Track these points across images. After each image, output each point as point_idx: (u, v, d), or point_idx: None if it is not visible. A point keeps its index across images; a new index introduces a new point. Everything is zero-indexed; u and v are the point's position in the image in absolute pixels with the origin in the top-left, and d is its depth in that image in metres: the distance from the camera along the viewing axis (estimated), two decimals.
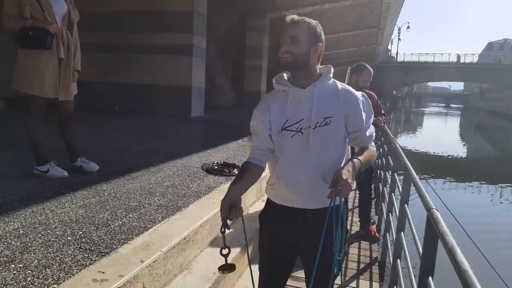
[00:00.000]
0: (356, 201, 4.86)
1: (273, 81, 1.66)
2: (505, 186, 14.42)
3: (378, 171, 6.09)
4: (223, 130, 7.89)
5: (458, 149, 27.10)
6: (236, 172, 3.93)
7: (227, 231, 1.57)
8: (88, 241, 2.09)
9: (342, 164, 1.53)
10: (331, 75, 1.62)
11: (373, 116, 1.67)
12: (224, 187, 3.42)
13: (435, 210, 1.62)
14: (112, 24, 9.98)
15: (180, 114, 9.45)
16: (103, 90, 9.75)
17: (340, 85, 1.60)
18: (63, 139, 3.45)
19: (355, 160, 1.49)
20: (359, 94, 1.61)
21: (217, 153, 5.06)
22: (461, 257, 1.17)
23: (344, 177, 1.37)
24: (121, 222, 2.40)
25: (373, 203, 4.80)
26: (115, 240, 2.13)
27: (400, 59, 45.83)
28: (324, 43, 1.59)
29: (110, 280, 1.73)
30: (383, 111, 4.24)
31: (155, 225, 2.42)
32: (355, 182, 1.88)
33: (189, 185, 3.38)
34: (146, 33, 9.83)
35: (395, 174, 3.74)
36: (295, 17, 1.54)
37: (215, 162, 4.21)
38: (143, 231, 2.31)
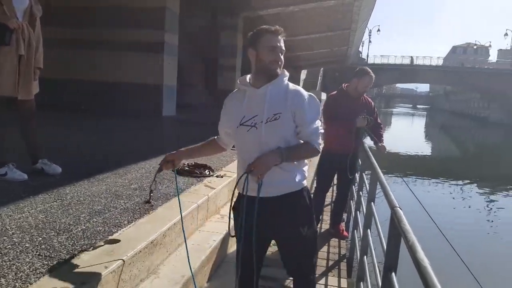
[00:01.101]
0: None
1: (237, 81, 1.90)
2: (467, 183, 15.04)
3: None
4: (196, 130, 7.78)
5: (424, 148, 28.04)
6: (208, 173, 3.90)
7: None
8: (48, 248, 2.00)
9: None
10: (286, 78, 1.83)
11: (320, 116, 1.86)
12: (195, 188, 3.37)
13: (399, 208, 1.66)
14: (80, 19, 9.68)
15: (151, 113, 9.27)
16: (69, 88, 9.46)
17: (292, 86, 1.81)
18: (23, 140, 3.30)
19: (278, 149, 1.72)
20: (306, 94, 1.81)
21: None
22: (421, 254, 1.19)
23: (258, 160, 1.68)
24: (84, 227, 2.32)
25: None
26: (77, 246, 2.06)
27: (370, 61, 46.77)
28: None
29: None
30: (379, 120, 4.08)
31: (120, 229, 2.35)
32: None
33: (157, 187, 3.31)
34: (116, 29, 9.60)
35: (363, 173, 3.81)
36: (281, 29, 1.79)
37: (186, 163, 4.15)
38: (107, 235, 2.24)
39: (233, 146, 2.03)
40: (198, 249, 2.66)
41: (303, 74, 35.12)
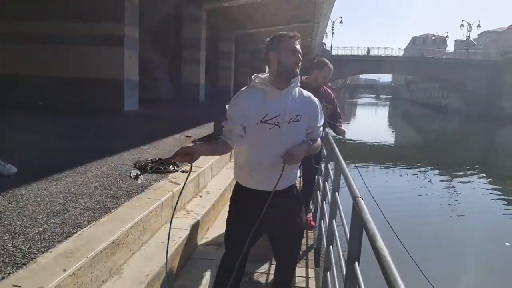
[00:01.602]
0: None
1: (255, 79, 2.01)
2: (429, 169, 15.67)
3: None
4: (159, 125, 7.65)
5: (387, 137, 28.90)
6: (172, 168, 3.82)
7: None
8: (2, 253, 1.90)
9: None
10: (299, 82, 2.05)
11: (323, 116, 2.14)
12: (159, 185, 3.30)
13: (360, 199, 1.67)
14: (36, 12, 9.21)
15: (112, 108, 9.01)
16: (26, 84, 9.02)
17: (304, 91, 2.08)
18: None
19: (305, 143, 1.99)
20: (316, 99, 2.10)
21: (152, 149, 4.88)
22: (380, 243, 1.21)
23: (293, 150, 1.92)
24: (41, 229, 2.22)
25: None
26: (34, 249, 1.96)
27: (334, 52, 47.41)
28: None
29: None
30: (338, 110, 4.15)
31: (80, 230, 2.27)
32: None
33: (119, 184, 3.21)
34: (74, 23, 9.20)
35: (328, 164, 3.85)
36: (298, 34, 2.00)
37: (149, 159, 4.06)
38: (66, 237, 2.15)
39: None
40: (163, 247, 2.60)
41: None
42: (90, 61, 9.31)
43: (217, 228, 3.43)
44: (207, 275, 2.65)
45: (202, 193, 3.82)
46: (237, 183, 2.12)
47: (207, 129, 6.86)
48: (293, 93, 2.00)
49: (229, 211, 2.15)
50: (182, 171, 3.72)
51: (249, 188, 2.03)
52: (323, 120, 2.14)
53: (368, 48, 47.08)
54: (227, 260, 2.13)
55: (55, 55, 9.35)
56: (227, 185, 4.25)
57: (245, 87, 2.08)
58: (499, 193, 12.28)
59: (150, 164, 3.85)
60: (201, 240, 3.15)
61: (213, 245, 3.09)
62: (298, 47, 1.97)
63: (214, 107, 7.61)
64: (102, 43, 9.19)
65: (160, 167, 3.76)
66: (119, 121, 8.15)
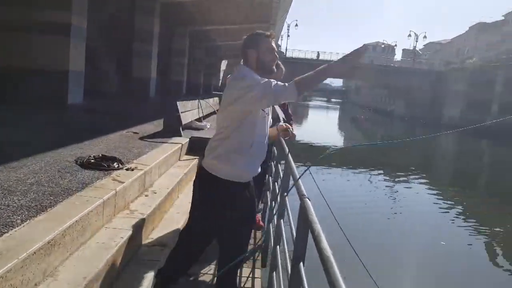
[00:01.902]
0: None
1: (246, 67, 2.16)
2: (375, 171, 16.37)
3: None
4: (105, 120, 7.32)
5: (337, 138, 29.87)
6: (116, 166, 3.65)
7: None
8: None
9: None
10: None
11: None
12: (101, 183, 3.13)
13: (307, 199, 1.68)
14: None
15: (55, 101, 8.48)
16: None
17: None
18: None
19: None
20: None
21: (95, 145, 4.65)
22: (324, 244, 1.21)
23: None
24: None
25: None
26: None
27: (289, 54, 48.11)
28: None
29: None
30: (290, 111, 4.19)
31: (12, 229, 2.10)
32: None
33: (58, 181, 3.01)
34: (17, 9, 8.53)
35: (279, 164, 3.87)
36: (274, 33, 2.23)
37: (92, 155, 3.86)
38: None
39: None
40: (103, 248, 2.48)
41: (223, 65, 35.07)
42: (32, 50, 8.69)
43: (162, 228, 3.33)
44: (150, 276, 2.55)
45: (148, 192, 3.69)
46: (209, 175, 2.12)
47: (156, 125, 6.67)
48: None
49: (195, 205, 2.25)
50: (127, 169, 3.57)
51: (225, 179, 2.11)
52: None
53: (318, 52, 48.62)
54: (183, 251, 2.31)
55: None
56: (175, 184, 4.14)
57: (229, 75, 2.34)
58: (437, 194, 13.12)
59: (93, 160, 3.66)
60: (145, 241, 3.04)
61: (158, 246, 2.99)
62: (274, 45, 2.14)
63: (165, 103, 7.40)
64: (46, 32, 8.60)
65: (104, 164, 3.59)
66: (61, 115, 7.70)
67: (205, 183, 2.16)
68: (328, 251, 1.16)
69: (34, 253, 1.96)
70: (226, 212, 2.12)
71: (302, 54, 49.46)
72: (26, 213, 2.34)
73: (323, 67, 2.03)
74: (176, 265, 2.31)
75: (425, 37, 53.90)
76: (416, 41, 52.44)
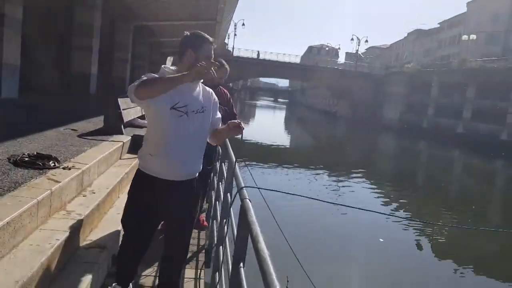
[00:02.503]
0: None
1: (165, 69, 2.20)
2: (318, 169, 16.96)
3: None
4: (42, 116, 6.89)
5: (283, 139, 30.47)
6: (52, 164, 3.47)
7: None
8: None
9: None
10: None
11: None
12: (35, 182, 2.95)
13: (247, 200, 1.72)
14: None
15: None
16: None
17: (205, 86, 2.31)
18: None
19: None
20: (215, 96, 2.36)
21: (30, 142, 4.37)
22: (262, 245, 1.25)
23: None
24: None
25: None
26: None
27: (236, 53, 48.12)
28: None
29: None
30: (235, 110, 4.16)
31: None
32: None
33: None
34: None
35: (223, 163, 3.89)
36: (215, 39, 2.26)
37: (26, 153, 3.63)
38: None
39: None
40: (37, 250, 2.35)
41: (169, 61, 34.35)
42: None
43: (101, 229, 3.21)
44: (88, 278, 2.46)
45: (86, 192, 3.53)
46: (138, 170, 2.25)
47: (96, 123, 6.40)
48: (198, 87, 2.23)
49: (128, 197, 2.31)
50: (64, 168, 3.40)
51: (150, 175, 2.17)
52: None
53: (258, 51, 49.54)
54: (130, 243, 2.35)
55: None
56: (116, 183, 4.01)
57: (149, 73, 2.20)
58: (376, 192, 13.87)
59: (27, 158, 3.44)
60: (83, 243, 2.92)
61: (96, 248, 2.88)
62: (213, 52, 2.19)
63: (106, 100, 7.09)
64: None
65: (39, 163, 3.39)
66: None
67: (134, 176, 2.32)
68: (265, 252, 1.20)
69: None
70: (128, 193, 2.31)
71: (249, 53, 49.79)
72: None
73: (168, 77, 2.08)
74: (129, 251, 2.36)
75: (366, 41, 56.14)
76: (359, 45, 54.58)
